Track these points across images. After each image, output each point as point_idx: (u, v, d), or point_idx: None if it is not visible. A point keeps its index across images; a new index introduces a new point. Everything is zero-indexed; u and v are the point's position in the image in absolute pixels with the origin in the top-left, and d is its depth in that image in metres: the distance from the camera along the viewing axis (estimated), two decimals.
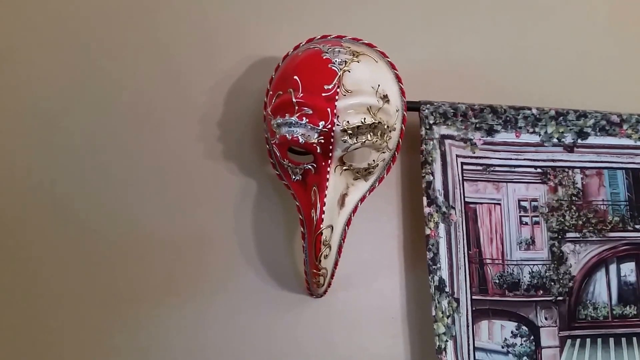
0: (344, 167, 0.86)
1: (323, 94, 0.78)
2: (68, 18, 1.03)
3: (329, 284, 0.90)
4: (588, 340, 0.93)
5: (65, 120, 0.98)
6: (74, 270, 0.93)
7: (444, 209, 0.94)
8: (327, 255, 0.84)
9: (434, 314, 0.89)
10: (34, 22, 1.02)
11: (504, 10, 1.15)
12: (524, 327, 0.92)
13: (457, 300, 0.90)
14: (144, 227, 0.95)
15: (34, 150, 0.97)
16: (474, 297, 0.92)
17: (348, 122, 0.79)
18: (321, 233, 0.81)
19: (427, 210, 0.92)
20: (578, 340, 0.93)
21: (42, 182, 0.96)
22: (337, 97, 0.78)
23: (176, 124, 1.00)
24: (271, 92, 0.87)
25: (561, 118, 1.00)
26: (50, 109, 0.98)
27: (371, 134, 0.81)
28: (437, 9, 1.12)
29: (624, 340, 0.94)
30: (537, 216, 0.97)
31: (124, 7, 1.04)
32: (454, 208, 0.94)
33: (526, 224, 0.96)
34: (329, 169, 0.83)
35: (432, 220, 0.92)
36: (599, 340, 0.93)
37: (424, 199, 0.93)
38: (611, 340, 0.94)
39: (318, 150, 0.81)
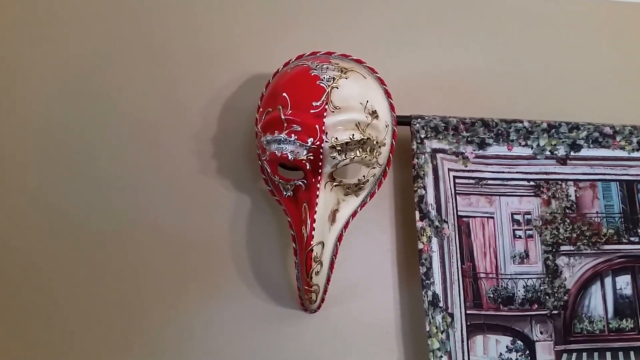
0: (335, 183, 0.86)
1: (311, 111, 0.79)
2: (63, 37, 1.04)
3: (322, 300, 0.90)
4: (584, 354, 0.92)
5: (62, 136, 0.99)
6: (75, 281, 0.93)
7: (436, 223, 0.93)
8: (318, 272, 0.84)
9: (428, 329, 0.88)
10: (33, 40, 1.03)
11: (495, 23, 1.15)
12: (519, 342, 0.91)
13: (452, 315, 0.90)
14: (137, 242, 0.95)
15: (38, 163, 0.97)
16: (468, 311, 0.91)
17: (336, 138, 0.79)
18: (312, 250, 0.81)
19: (419, 224, 0.92)
20: (574, 355, 0.92)
21: (45, 192, 0.96)
22: (325, 114, 0.79)
23: (170, 140, 1.00)
24: (261, 109, 0.87)
25: (553, 130, 1.00)
26: (50, 124, 0.99)
27: (360, 150, 0.82)
28: (427, 23, 1.13)
29: (621, 354, 0.93)
30: (530, 229, 0.96)
31: (118, 25, 1.05)
32: (446, 222, 0.94)
33: (520, 237, 0.96)
34: (318, 185, 0.83)
35: (424, 234, 0.92)
36: (596, 354, 0.92)
37: (417, 213, 0.93)
38: (608, 354, 0.93)
39: (307, 167, 0.81)
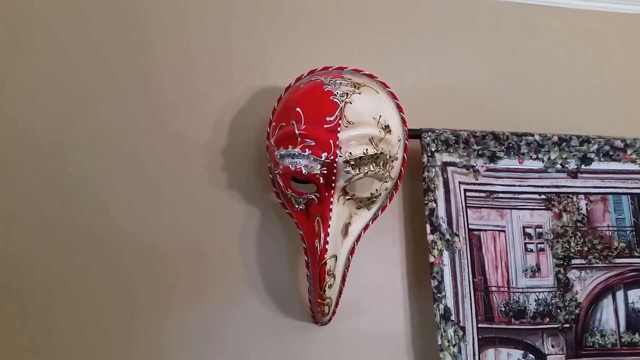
0: (347, 197, 0.86)
1: (325, 126, 0.80)
2: (75, 46, 1.04)
3: (334, 312, 0.90)
4: None
5: (73, 147, 0.99)
6: (84, 291, 0.93)
7: (447, 237, 0.93)
8: (331, 285, 0.84)
9: (439, 342, 0.88)
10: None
11: (506, 37, 1.16)
12: (530, 355, 0.91)
13: (463, 329, 0.90)
14: (147, 253, 0.95)
15: (43, 171, 0.97)
16: (480, 325, 0.91)
17: (350, 153, 0.80)
18: (325, 263, 0.82)
19: (430, 237, 0.92)
20: None
21: (53, 203, 0.96)
22: (339, 129, 0.80)
23: (182, 154, 1.01)
24: (274, 123, 0.88)
25: (564, 144, 1.00)
26: (61, 134, 1.00)
27: (373, 164, 0.82)
28: (438, 37, 1.14)
29: None
30: (542, 243, 0.96)
31: (134, 37, 1.06)
32: (457, 235, 0.94)
33: (531, 251, 0.96)
34: (332, 199, 0.83)
35: (435, 247, 0.92)
36: None
37: (427, 226, 0.93)
38: None
39: (321, 181, 0.82)
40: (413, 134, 0.96)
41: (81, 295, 0.92)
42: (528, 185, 0.99)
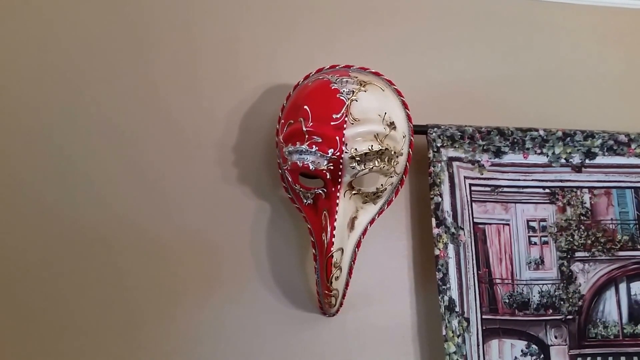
0: (353, 192, 0.88)
1: (332, 123, 0.82)
2: (86, 43, 1.07)
3: (341, 304, 0.93)
4: (599, 358, 0.94)
5: (87, 148, 1.02)
6: (96, 286, 0.96)
7: (452, 230, 0.96)
8: (338, 277, 0.87)
9: (444, 333, 0.90)
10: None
11: (510, 32, 1.17)
12: (534, 346, 0.93)
13: (468, 320, 0.92)
14: (158, 248, 0.98)
15: (52, 169, 1.00)
16: (484, 316, 0.93)
17: (356, 149, 0.82)
18: (332, 256, 0.84)
19: (436, 231, 0.94)
20: (588, 359, 0.93)
21: (68, 201, 0.99)
22: (345, 126, 0.82)
23: (193, 150, 1.03)
24: (283, 121, 0.90)
25: (568, 139, 1.01)
26: (71, 132, 1.03)
27: (378, 160, 0.84)
28: (443, 34, 1.15)
29: (635, 359, 0.94)
30: (545, 236, 0.98)
31: (142, 34, 1.08)
32: (462, 229, 0.96)
33: (535, 243, 0.98)
34: (338, 194, 0.86)
35: (441, 240, 0.94)
36: (610, 359, 0.94)
37: (433, 220, 0.95)
38: (622, 359, 0.94)
39: (328, 176, 0.84)
40: (419, 130, 0.97)
41: (90, 292, 0.95)
42: (532, 180, 1.00)
